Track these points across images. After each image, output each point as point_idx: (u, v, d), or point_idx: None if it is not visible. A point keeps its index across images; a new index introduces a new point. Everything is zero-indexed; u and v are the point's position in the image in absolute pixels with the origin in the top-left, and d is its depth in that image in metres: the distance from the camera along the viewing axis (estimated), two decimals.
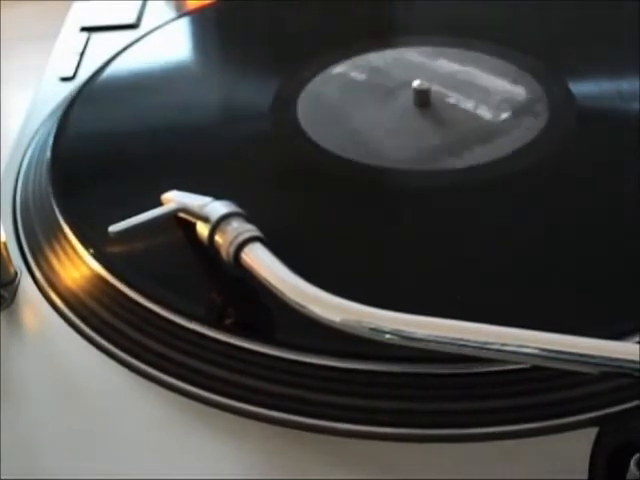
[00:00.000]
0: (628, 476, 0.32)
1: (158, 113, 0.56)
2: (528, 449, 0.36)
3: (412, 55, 0.60)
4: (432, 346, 0.35)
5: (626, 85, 0.55)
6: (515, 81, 0.56)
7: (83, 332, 0.43)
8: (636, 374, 0.33)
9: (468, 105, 0.54)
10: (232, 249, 0.41)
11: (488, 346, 0.34)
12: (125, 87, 0.60)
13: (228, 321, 0.41)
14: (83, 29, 0.68)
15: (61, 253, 0.46)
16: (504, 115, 0.53)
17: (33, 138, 0.57)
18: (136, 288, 0.43)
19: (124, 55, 0.62)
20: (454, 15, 0.64)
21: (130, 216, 0.42)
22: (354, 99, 0.56)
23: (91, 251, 0.45)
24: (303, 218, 0.47)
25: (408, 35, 0.62)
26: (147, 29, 0.67)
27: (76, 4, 0.72)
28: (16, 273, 0.46)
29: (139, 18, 0.69)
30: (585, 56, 0.58)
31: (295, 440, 0.37)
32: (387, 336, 0.36)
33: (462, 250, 0.44)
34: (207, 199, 0.43)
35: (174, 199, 0.45)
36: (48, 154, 0.52)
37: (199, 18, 0.69)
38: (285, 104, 0.55)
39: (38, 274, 0.46)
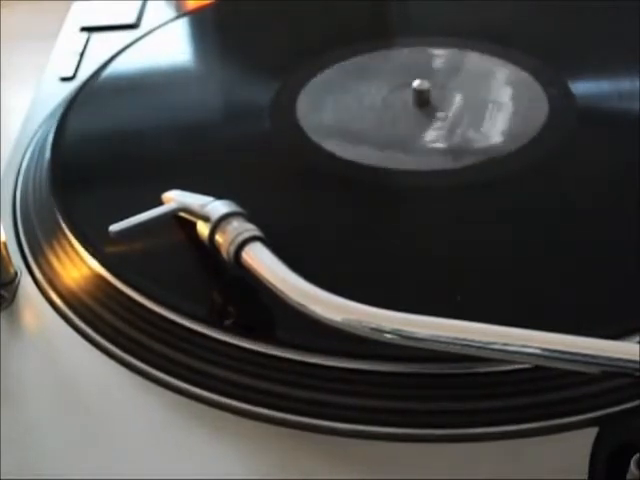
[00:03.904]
0: (628, 476, 0.32)
1: (158, 113, 0.56)
2: (528, 449, 0.36)
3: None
4: (433, 346, 0.35)
5: (626, 85, 0.55)
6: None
7: (83, 332, 0.43)
8: (636, 374, 0.33)
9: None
10: (232, 248, 0.41)
11: (489, 346, 0.34)
12: (125, 87, 0.60)
13: (228, 321, 0.41)
14: (83, 29, 0.68)
15: (61, 253, 0.46)
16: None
17: (33, 138, 0.57)
18: (136, 288, 0.43)
19: (124, 55, 0.62)
20: (454, 15, 0.64)
21: (130, 216, 0.42)
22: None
23: (91, 251, 0.45)
24: (303, 218, 0.47)
25: (408, 35, 0.62)
26: (147, 29, 0.67)
27: (76, 4, 0.72)
28: (16, 273, 0.46)
29: (139, 18, 0.69)
30: (585, 56, 0.58)
31: (295, 440, 0.37)
32: (388, 336, 0.36)
33: (462, 250, 0.44)
34: (207, 199, 0.43)
35: (175, 198, 0.45)
36: (48, 154, 0.52)
37: (199, 18, 0.68)
38: (285, 104, 0.55)
39: (38, 274, 0.46)
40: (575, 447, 0.35)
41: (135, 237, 0.43)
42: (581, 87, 0.54)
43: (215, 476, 0.36)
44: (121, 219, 0.42)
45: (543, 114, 0.52)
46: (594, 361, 0.33)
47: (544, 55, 0.58)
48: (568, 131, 0.51)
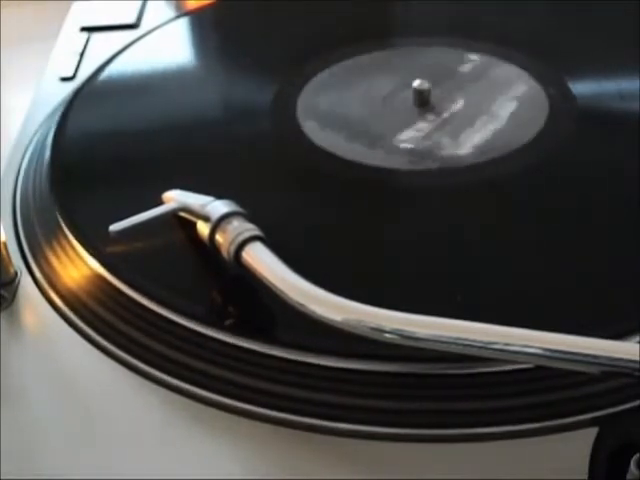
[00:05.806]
0: (628, 476, 0.32)
1: (158, 113, 0.56)
2: (528, 449, 0.36)
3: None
4: (433, 346, 0.35)
5: (626, 85, 0.55)
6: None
7: (83, 332, 0.43)
8: (636, 374, 0.33)
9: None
10: (233, 248, 0.41)
11: (490, 346, 0.34)
12: (125, 87, 0.60)
13: (228, 321, 0.41)
14: (83, 29, 0.68)
15: (61, 253, 0.46)
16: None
17: (33, 138, 0.57)
18: (136, 288, 0.43)
19: (124, 55, 0.62)
20: (454, 15, 0.64)
21: (130, 216, 0.42)
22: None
23: (91, 251, 0.45)
24: (303, 218, 0.47)
25: (408, 35, 0.62)
26: (147, 29, 0.67)
27: (76, 4, 0.72)
28: (16, 273, 0.46)
29: (139, 18, 0.69)
30: (585, 56, 0.58)
31: (295, 440, 0.37)
32: (388, 335, 0.36)
33: (462, 250, 0.44)
34: (208, 198, 0.43)
35: (175, 198, 0.45)
36: (48, 154, 0.52)
37: (199, 18, 0.68)
38: (285, 104, 0.55)
39: (38, 274, 0.46)
40: (575, 447, 0.35)
41: (135, 237, 0.43)
42: (581, 87, 0.54)
43: (215, 476, 0.36)
44: (121, 219, 0.42)
45: (543, 114, 0.52)
46: (594, 361, 0.33)
47: (544, 55, 0.58)
48: (568, 131, 0.51)
